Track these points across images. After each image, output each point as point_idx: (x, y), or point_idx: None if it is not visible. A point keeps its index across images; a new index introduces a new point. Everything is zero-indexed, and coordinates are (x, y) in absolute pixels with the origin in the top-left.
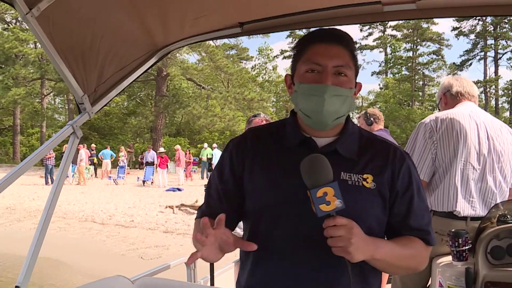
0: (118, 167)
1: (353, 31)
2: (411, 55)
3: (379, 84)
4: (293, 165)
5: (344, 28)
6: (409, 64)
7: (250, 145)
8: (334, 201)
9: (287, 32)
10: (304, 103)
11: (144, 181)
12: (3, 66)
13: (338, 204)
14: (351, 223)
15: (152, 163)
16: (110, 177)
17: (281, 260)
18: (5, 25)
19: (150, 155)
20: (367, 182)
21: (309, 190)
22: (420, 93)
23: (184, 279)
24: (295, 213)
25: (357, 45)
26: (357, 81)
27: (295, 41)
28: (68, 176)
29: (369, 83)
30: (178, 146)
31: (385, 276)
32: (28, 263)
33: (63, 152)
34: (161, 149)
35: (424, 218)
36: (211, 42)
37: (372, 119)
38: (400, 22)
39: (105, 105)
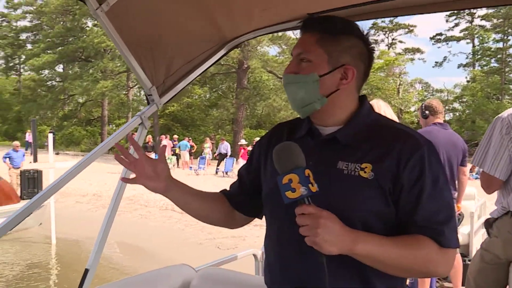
0: (199, 157)
1: (438, 22)
2: (501, 46)
3: (466, 77)
4: None
5: (428, 16)
6: (498, 56)
7: (270, 137)
8: (299, 188)
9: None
10: (286, 93)
11: (225, 172)
12: (92, 60)
13: (303, 192)
14: (320, 212)
15: (225, 155)
16: (191, 167)
17: (275, 250)
18: (95, 21)
19: (224, 147)
20: (365, 172)
21: (277, 177)
22: (511, 86)
23: (252, 271)
24: (278, 201)
25: (443, 36)
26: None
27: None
28: None
29: (456, 76)
30: (257, 139)
31: (456, 277)
32: (97, 247)
33: (147, 143)
34: (242, 141)
35: (439, 215)
36: (291, 34)
37: (427, 112)
38: (490, 11)
39: (173, 97)
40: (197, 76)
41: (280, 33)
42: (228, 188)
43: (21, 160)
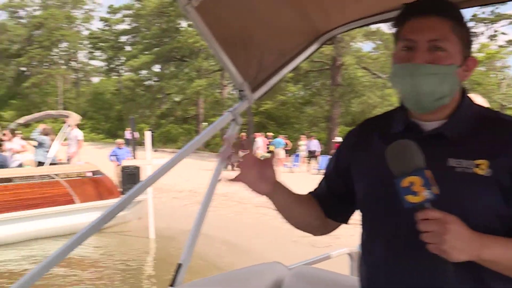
0: (294, 155)
1: None
2: None
3: None
4: None
5: None
6: None
7: (359, 134)
8: (422, 191)
9: None
10: (399, 86)
11: (319, 170)
12: (187, 59)
13: (427, 195)
14: (447, 217)
15: (314, 152)
16: (286, 164)
17: (381, 252)
18: (189, 22)
19: (313, 144)
20: (481, 169)
21: (394, 179)
22: None
23: (346, 271)
24: (392, 203)
25: None
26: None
27: None
28: None
29: None
30: None
31: None
32: (190, 242)
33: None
34: (338, 138)
35: None
36: (385, 29)
37: None
38: None
39: (266, 93)
40: (289, 71)
41: (374, 28)
42: (315, 190)
43: (125, 157)
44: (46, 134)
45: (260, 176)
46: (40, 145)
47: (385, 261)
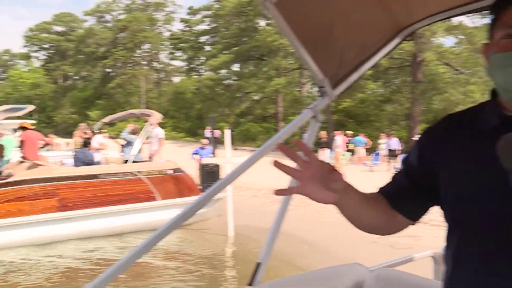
0: (373, 153)
1: None
2: None
3: None
4: (492, 149)
5: None
6: None
7: (445, 129)
8: None
9: None
10: (500, 76)
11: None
12: (266, 58)
13: None
14: None
15: (394, 151)
16: (366, 163)
17: (482, 260)
18: (267, 21)
19: (393, 142)
20: None
21: (508, 176)
22: None
23: (430, 275)
24: (496, 202)
25: None
26: None
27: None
28: None
29: None
30: None
31: None
32: (269, 241)
33: (320, 139)
34: (417, 137)
35: None
36: (469, 22)
37: None
38: None
39: (346, 89)
40: (371, 67)
41: (456, 22)
42: (386, 187)
43: (207, 157)
44: (134, 133)
45: (323, 185)
46: (129, 144)
47: (485, 271)
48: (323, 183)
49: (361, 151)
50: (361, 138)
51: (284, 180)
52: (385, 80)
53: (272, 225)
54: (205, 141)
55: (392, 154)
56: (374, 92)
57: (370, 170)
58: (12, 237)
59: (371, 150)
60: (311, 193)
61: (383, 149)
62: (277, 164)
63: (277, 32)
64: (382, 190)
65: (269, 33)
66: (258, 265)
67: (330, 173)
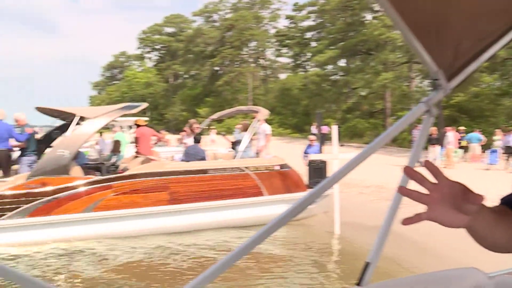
0: (489, 150)
1: None
2: None
3: None
4: None
5: None
6: None
7: None
8: None
9: None
10: None
11: None
12: (373, 52)
13: None
14: None
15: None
16: (483, 161)
17: None
18: (374, 14)
19: (511, 139)
20: None
21: None
22: None
23: None
24: None
25: None
26: None
27: None
28: (435, 159)
29: None
30: None
31: None
32: (379, 240)
33: (431, 135)
34: None
35: None
36: None
37: None
38: None
39: (463, 82)
40: (489, 58)
41: None
42: (510, 196)
43: (315, 153)
44: (245, 130)
45: (454, 206)
46: (240, 142)
47: None
48: (454, 204)
49: (476, 148)
50: (477, 134)
51: (392, 178)
52: (503, 72)
53: (382, 224)
54: (312, 137)
55: (509, 151)
56: (490, 85)
57: (486, 168)
58: (127, 228)
59: (485, 147)
60: (440, 216)
61: (498, 146)
62: (407, 171)
63: (384, 26)
64: (506, 200)
65: (376, 27)
66: (367, 265)
67: (463, 193)
